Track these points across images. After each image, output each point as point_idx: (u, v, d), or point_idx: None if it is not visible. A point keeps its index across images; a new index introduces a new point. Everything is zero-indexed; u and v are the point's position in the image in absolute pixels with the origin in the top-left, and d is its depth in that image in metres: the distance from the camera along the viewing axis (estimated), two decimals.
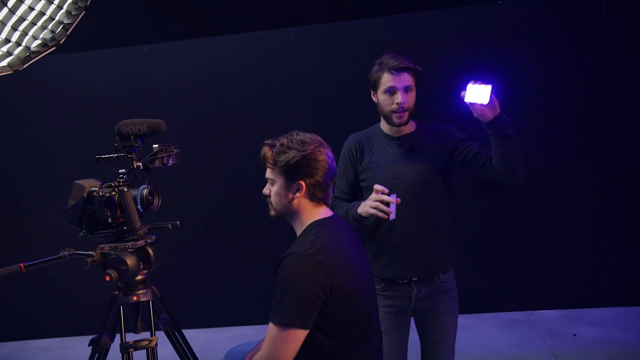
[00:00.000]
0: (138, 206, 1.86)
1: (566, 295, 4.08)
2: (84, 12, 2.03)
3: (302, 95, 4.24)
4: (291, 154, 1.62)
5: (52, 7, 2.05)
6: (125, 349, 1.84)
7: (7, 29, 1.96)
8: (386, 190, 1.93)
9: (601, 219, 4.03)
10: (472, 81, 1.90)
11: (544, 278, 4.10)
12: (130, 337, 1.88)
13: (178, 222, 2.00)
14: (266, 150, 1.68)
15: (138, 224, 1.84)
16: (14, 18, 2.00)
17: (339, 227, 1.71)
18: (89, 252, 1.83)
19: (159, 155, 1.91)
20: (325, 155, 1.66)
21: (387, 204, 1.91)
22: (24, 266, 1.87)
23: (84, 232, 1.92)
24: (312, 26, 4.24)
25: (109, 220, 1.87)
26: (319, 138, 1.69)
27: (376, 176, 2.11)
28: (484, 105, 1.89)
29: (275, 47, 4.27)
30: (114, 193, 1.85)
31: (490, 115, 1.91)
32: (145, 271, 1.94)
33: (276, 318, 1.52)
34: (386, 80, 2.05)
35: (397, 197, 1.93)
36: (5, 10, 1.97)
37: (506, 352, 3.49)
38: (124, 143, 1.89)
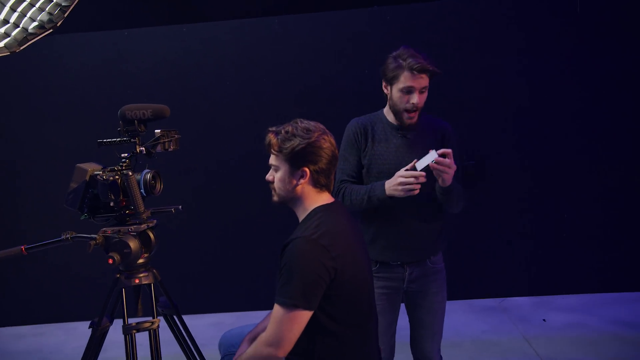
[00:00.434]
0: (141, 190, 1.88)
1: (536, 283, 4.27)
2: None
3: (285, 83, 4.27)
4: (296, 141, 1.66)
5: None
6: (128, 330, 1.86)
7: (6, 9, 1.93)
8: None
9: (568, 211, 4.21)
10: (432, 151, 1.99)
11: (515, 266, 4.27)
12: (132, 320, 1.91)
13: (180, 207, 2.02)
14: (271, 137, 1.71)
15: (142, 207, 1.86)
16: None
17: (340, 212, 1.77)
18: (92, 235, 1.84)
19: (162, 140, 1.93)
20: (328, 142, 1.70)
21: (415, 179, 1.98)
22: (25, 249, 1.87)
23: (85, 216, 1.92)
24: (295, 15, 4.27)
25: (111, 204, 1.88)
26: (322, 126, 1.73)
27: (378, 164, 2.17)
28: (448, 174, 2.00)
29: (258, 35, 4.27)
30: (117, 177, 1.86)
31: (448, 182, 2.04)
32: (146, 255, 1.96)
33: (282, 299, 1.57)
34: (405, 79, 2.06)
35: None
36: None
37: (480, 337, 3.64)
38: (128, 127, 1.90)
